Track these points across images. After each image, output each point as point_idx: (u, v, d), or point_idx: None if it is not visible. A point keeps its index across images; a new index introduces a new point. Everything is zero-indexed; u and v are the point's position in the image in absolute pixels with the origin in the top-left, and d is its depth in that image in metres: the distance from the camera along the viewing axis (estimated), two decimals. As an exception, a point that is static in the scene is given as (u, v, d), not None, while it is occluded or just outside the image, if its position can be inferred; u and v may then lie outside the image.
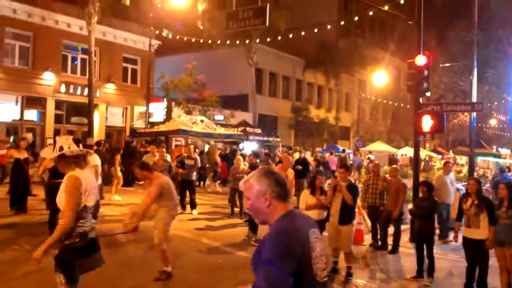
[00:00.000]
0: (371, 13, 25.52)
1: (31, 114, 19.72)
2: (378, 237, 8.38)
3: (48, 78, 19.60)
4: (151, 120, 22.70)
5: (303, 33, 25.20)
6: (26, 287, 5.28)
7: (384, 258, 7.67)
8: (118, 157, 12.42)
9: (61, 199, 3.43)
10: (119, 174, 12.29)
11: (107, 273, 5.63)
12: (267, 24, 13.49)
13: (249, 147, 21.12)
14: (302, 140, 32.20)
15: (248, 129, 22.79)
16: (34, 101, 19.64)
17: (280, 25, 25.60)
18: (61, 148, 3.51)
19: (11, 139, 18.33)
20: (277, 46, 29.07)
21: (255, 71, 28.50)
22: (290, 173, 8.78)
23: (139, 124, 22.85)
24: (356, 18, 27.57)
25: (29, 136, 13.34)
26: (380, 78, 30.36)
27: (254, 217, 2.23)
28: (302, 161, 13.43)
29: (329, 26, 24.58)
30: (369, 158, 19.97)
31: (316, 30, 25.43)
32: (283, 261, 1.87)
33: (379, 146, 27.94)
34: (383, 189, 8.38)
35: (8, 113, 18.83)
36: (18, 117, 19.12)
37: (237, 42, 25.57)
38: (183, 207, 10.74)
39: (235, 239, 8.27)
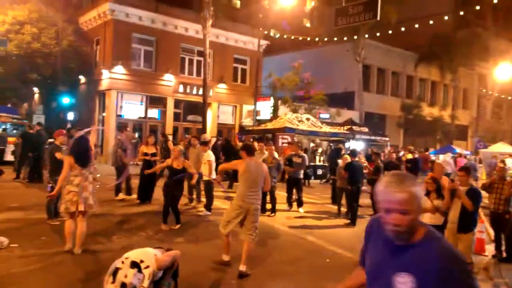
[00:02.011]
0: (495, 0, 23.18)
1: (153, 113, 21.79)
2: (503, 248, 7.64)
3: (169, 79, 21.46)
4: (258, 118, 23.48)
5: (416, 25, 23.83)
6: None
7: (510, 272, 6.98)
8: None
9: None
10: None
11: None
12: (378, 18, 13.08)
13: (355, 146, 20.65)
14: (412, 140, 30.45)
15: (354, 127, 22.30)
16: (156, 101, 21.67)
17: (391, 18, 24.53)
18: (124, 286, 3.25)
19: (136, 135, 20.46)
20: (386, 40, 27.91)
21: (362, 67, 27.72)
22: (445, 181, 7.98)
23: (247, 122, 23.81)
24: (477, 7, 25.19)
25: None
26: (504, 71, 27.36)
27: (399, 237, 1.75)
28: (413, 162, 12.83)
29: (446, 17, 22.87)
30: (503, 161, 17.84)
31: (431, 22, 23.85)
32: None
33: (503, 148, 25.19)
34: (509, 195, 7.61)
35: (134, 112, 21.04)
36: (143, 115, 21.29)
37: (345, 38, 25.11)
38: (290, 205, 10.97)
39: (342, 239, 8.20)
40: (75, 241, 5.85)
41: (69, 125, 18.05)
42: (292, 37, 23.80)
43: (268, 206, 10.01)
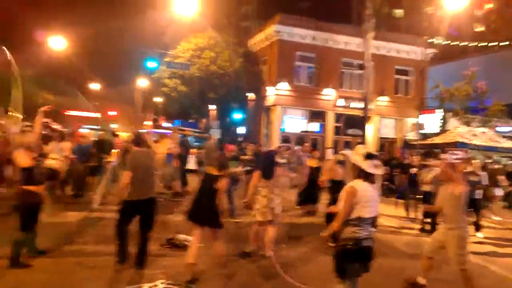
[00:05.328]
0: None
1: (314, 126, 22.43)
2: None
3: (329, 94, 21.85)
4: (423, 131, 22.02)
5: None
6: (306, 278, 5.74)
7: None
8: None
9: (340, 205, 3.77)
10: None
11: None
12: None
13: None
14: None
15: (545, 143, 19.04)
16: (316, 115, 22.28)
17: None
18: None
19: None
20: None
21: (555, 72, 23.62)
22: None
23: (411, 135, 22.56)
24: None
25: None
26: None
27: None
28: None
29: None
30: None
31: None
32: None
33: None
34: None
35: (296, 126, 22.00)
36: (304, 129, 22.12)
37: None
38: (466, 228, 9.99)
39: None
40: (262, 245, 6.45)
41: (240, 139, 19.88)
42: (469, 44, 21.63)
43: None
